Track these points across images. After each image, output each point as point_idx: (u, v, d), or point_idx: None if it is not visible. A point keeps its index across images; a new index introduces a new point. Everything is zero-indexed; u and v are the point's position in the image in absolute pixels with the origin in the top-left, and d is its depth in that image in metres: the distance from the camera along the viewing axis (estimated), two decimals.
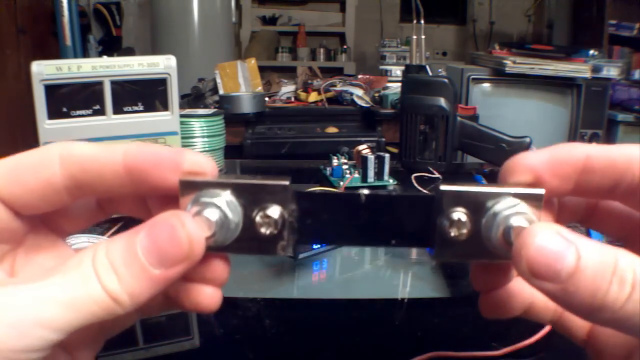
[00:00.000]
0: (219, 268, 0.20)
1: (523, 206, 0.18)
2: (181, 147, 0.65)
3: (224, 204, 0.18)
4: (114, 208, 0.23)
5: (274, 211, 0.19)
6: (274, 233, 0.19)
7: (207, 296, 0.20)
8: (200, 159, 0.19)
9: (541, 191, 0.19)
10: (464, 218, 0.19)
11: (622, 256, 0.16)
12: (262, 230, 0.19)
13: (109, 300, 0.17)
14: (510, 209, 0.18)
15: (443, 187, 0.19)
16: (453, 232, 0.19)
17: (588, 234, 0.51)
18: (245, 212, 0.19)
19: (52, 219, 0.21)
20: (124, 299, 0.17)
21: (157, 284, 0.17)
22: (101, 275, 0.17)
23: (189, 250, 0.18)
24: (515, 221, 0.18)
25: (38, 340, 0.16)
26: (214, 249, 0.19)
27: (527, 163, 0.19)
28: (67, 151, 0.19)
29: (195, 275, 0.20)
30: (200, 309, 0.20)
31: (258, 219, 0.19)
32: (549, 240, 0.17)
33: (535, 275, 0.17)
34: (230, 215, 0.18)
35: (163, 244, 0.17)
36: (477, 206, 0.19)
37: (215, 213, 0.18)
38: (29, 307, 0.16)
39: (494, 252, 0.19)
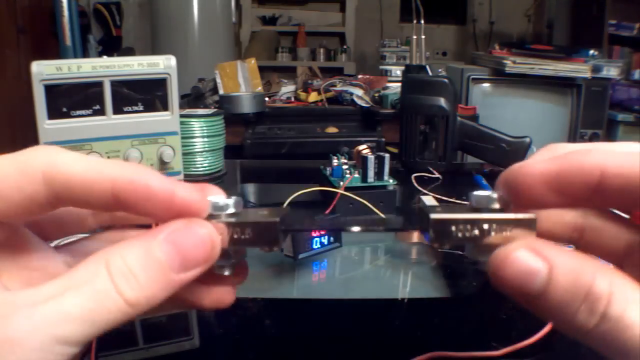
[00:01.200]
0: (243, 270, 0.22)
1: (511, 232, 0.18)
2: (181, 147, 0.65)
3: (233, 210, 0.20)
4: (109, 219, 0.22)
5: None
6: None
7: (228, 293, 0.22)
8: (192, 199, 0.19)
9: (532, 216, 0.18)
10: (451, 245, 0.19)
11: (600, 279, 0.16)
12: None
13: (126, 306, 0.17)
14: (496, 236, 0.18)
15: (433, 216, 0.19)
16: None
17: None
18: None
19: (37, 225, 0.21)
20: (139, 303, 0.17)
21: (174, 286, 0.18)
22: (119, 284, 0.17)
23: (212, 253, 0.18)
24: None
25: (60, 356, 0.16)
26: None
27: (531, 180, 0.17)
28: (52, 168, 0.17)
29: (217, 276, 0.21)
30: (221, 305, 0.21)
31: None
32: (520, 260, 0.16)
33: (510, 293, 0.17)
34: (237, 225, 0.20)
35: (187, 248, 0.18)
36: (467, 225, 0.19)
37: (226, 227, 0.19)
38: (50, 328, 0.16)
39: None
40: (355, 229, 0.21)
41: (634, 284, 0.16)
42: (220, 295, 0.21)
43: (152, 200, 0.18)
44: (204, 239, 0.18)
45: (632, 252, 0.19)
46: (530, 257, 0.16)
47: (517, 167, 0.18)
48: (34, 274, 0.20)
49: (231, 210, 0.20)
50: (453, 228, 0.19)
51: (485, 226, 0.18)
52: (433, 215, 0.19)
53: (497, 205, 0.19)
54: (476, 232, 0.18)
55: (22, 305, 0.16)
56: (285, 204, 0.58)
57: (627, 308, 0.15)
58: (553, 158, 0.17)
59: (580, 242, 0.21)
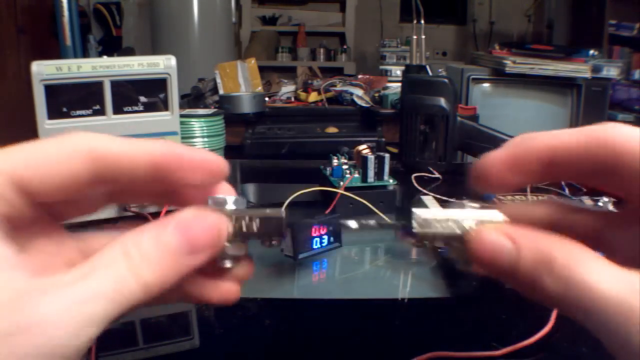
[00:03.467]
0: (249, 267, 0.23)
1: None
2: None
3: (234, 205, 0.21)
4: (126, 198, 0.24)
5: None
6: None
7: (233, 288, 0.23)
8: (215, 160, 0.21)
9: (499, 218, 0.20)
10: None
11: (560, 250, 0.18)
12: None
13: (144, 287, 0.18)
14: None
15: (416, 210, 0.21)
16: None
17: None
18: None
19: (55, 205, 0.21)
20: (155, 284, 0.18)
21: (184, 269, 0.19)
22: (136, 266, 0.18)
23: (219, 238, 0.20)
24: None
25: (86, 339, 0.16)
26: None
27: (492, 167, 0.21)
28: (94, 149, 0.19)
29: (224, 273, 0.22)
30: (226, 301, 0.22)
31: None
32: (490, 239, 0.19)
33: (488, 271, 0.19)
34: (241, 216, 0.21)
35: (195, 233, 0.19)
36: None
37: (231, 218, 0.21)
38: (80, 307, 0.16)
39: None
40: (352, 224, 0.23)
41: (592, 252, 0.18)
42: (225, 290, 0.22)
43: (185, 167, 0.20)
44: (211, 224, 0.20)
45: (600, 236, 0.22)
46: (499, 236, 0.19)
47: (481, 159, 0.21)
48: (53, 260, 0.21)
49: (234, 207, 0.21)
50: (433, 222, 0.21)
51: (462, 223, 0.20)
52: (416, 210, 0.21)
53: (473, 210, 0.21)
54: (455, 229, 0.21)
55: (50, 288, 0.17)
56: (285, 204, 0.58)
57: (588, 271, 0.17)
58: (508, 145, 0.21)
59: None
